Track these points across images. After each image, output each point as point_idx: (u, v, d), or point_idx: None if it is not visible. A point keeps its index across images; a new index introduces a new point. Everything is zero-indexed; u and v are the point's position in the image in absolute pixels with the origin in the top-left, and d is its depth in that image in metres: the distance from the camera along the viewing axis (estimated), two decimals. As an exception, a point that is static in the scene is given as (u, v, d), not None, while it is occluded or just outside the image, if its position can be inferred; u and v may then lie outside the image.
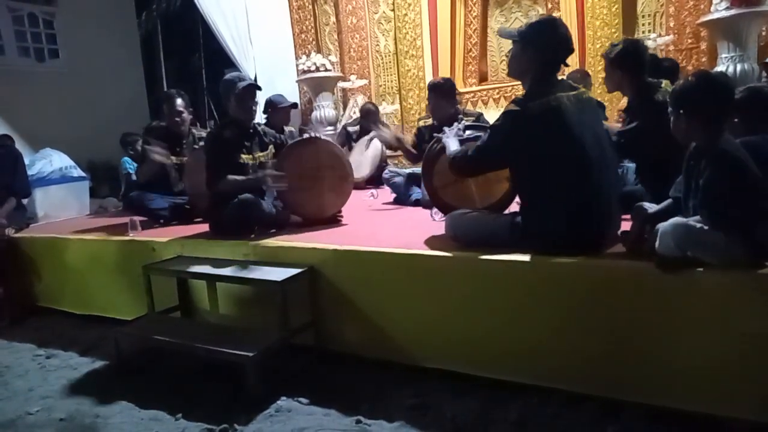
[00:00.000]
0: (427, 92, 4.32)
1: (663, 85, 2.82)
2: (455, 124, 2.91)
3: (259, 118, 4.29)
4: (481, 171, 2.60)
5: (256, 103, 3.29)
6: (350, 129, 5.84)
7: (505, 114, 2.24)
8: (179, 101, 4.01)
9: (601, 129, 2.35)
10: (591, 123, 2.24)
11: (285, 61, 7.55)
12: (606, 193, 2.21)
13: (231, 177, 3.10)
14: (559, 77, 2.33)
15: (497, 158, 2.35)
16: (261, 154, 3.32)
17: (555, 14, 5.72)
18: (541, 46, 2.22)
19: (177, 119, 4.00)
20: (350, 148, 5.50)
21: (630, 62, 2.75)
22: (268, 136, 3.45)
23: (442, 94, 3.95)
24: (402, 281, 2.47)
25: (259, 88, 3.31)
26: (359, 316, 2.57)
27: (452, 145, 2.60)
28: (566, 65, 2.30)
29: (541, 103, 2.15)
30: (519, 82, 2.41)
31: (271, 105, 5.02)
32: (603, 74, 4.92)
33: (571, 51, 2.29)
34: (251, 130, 3.32)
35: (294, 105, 5.08)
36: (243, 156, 3.20)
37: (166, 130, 4.09)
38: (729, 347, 1.81)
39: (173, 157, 3.99)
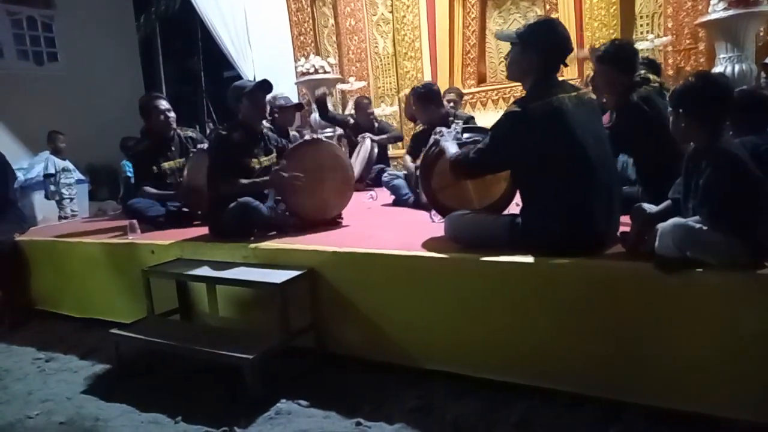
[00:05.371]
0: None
1: (643, 87, 2.85)
2: (453, 126, 2.91)
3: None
4: (483, 173, 2.59)
5: (266, 103, 3.30)
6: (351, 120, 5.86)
7: (507, 115, 2.24)
8: (163, 101, 3.97)
9: (602, 130, 2.35)
10: (592, 124, 2.24)
11: (284, 63, 7.56)
12: (606, 193, 2.21)
13: (243, 180, 3.10)
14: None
15: (499, 160, 2.35)
16: (266, 158, 3.32)
17: (553, 15, 5.72)
18: (541, 47, 2.22)
19: (162, 117, 3.92)
20: (347, 143, 5.53)
21: (617, 60, 2.79)
22: (272, 141, 3.46)
23: (426, 99, 3.97)
24: (402, 283, 2.47)
25: (272, 86, 3.29)
26: (359, 318, 2.57)
27: (451, 148, 2.59)
28: (566, 65, 2.30)
29: (542, 104, 2.15)
30: (518, 84, 2.41)
31: (277, 106, 5.02)
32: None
33: (570, 51, 2.30)
34: (258, 135, 3.32)
35: (299, 106, 5.10)
36: (253, 160, 3.20)
37: (151, 135, 4.01)
38: (729, 347, 1.81)
39: (166, 164, 3.96)
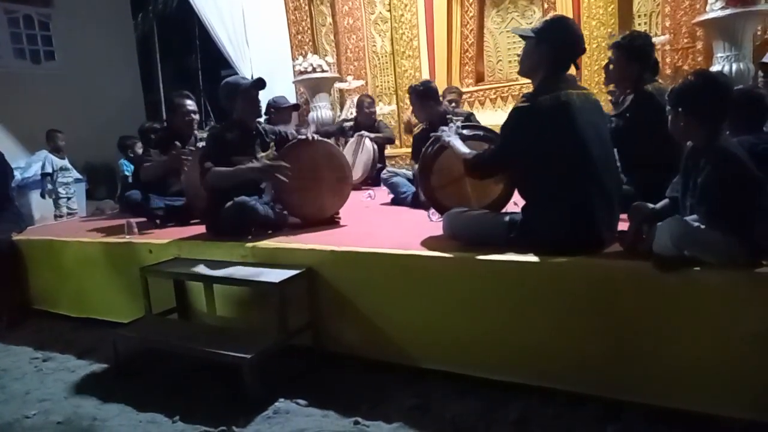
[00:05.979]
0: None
1: (656, 82, 2.90)
2: (450, 124, 2.91)
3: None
4: (498, 171, 2.59)
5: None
6: (346, 125, 5.86)
7: (515, 111, 2.26)
8: (190, 102, 4.00)
9: (605, 129, 2.37)
10: (596, 122, 2.25)
11: (282, 62, 7.54)
12: (607, 192, 2.21)
13: (217, 168, 3.02)
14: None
15: (513, 156, 2.33)
16: (263, 153, 3.30)
17: (551, 14, 5.72)
18: (554, 44, 2.24)
19: (188, 118, 3.96)
20: (345, 142, 5.52)
21: (631, 48, 2.88)
22: (269, 134, 3.44)
23: (424, 96, 3.97)
24: (400, 282, 2.47)
25: (265, 84, 3.29)
26: (357, 317, 2.57)
27: (460, 146, 2.58)
28: (577, 67, 2.31)
29: (550, 98, 2.17)
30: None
31: (274, 106, 5.02)
32: (599, 73, 4.92)
33: (583, 51, 2.34)
34: (254, 132, 3.31)
35: (296, 106, 5.08)
36: (246, 157, 3.18)
37: (168, 132, 4.04)
38: (728, 346, 1.81)
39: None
